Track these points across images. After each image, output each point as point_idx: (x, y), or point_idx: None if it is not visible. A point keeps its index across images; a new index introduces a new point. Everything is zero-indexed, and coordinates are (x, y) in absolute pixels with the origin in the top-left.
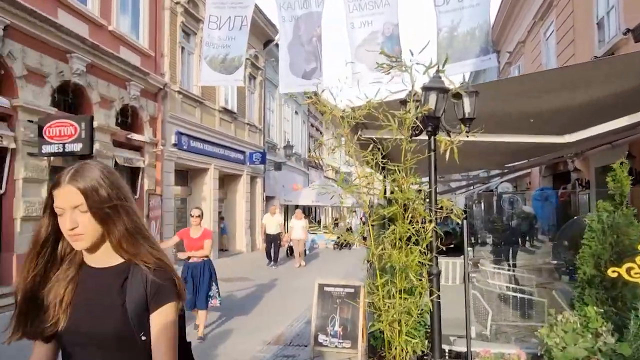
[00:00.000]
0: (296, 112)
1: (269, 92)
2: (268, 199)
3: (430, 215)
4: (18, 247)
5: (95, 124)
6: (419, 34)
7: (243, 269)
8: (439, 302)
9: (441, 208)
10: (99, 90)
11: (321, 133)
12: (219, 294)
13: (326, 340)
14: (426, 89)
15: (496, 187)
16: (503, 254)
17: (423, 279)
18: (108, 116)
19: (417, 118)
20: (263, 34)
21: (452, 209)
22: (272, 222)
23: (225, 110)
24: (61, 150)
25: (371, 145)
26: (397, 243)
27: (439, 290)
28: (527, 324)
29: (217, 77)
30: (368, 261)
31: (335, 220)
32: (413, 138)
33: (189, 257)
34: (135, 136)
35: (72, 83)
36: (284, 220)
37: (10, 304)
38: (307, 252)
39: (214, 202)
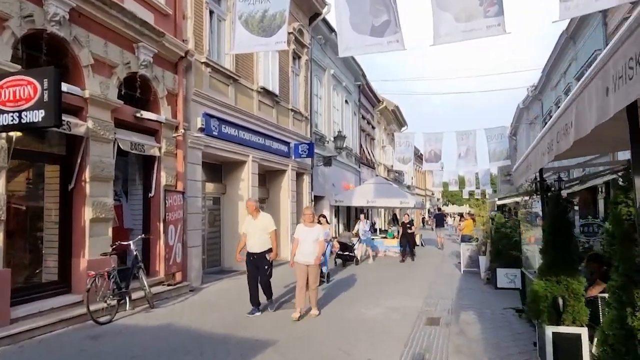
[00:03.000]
0: (346, 101)
1: (316, 75)
2: (317, 199)
3: None
4: None
5: (85, 93)
6: None
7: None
8: None
9: None
10: (92, 49)
11: (373, 127)
12: None
13: None
14: None
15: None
16: None
17: None
18: (106, 85)
19: None
20: (309, 6)
21: None
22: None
23: (266, 92)
24: (16, 121)
25: None
26: None
27: None
28: None
29: (255, 40)
30: None
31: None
32: None
33: None
34: (147, 115)
35: (48, 34)
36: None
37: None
38: (370, 258)
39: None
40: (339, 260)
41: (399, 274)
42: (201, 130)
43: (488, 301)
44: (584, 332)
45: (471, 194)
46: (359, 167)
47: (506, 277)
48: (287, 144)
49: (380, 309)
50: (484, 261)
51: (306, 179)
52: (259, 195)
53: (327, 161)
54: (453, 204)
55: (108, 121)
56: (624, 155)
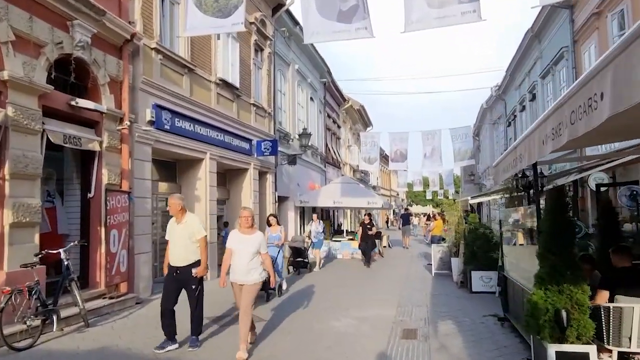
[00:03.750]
0: (312, 99)
1: (280, 70)
2: (281, 199)
3: None
4: None
5: (4, 74)
6: None
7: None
8: None
9: None
10: (12, 23)
11: (339, 126)
12: None
13: None
14: None
15: (587, 179)
16: None
17: None
18: (31, 67)
19: None
20: None
21: None
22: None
23: (225, 84)
24: None
25: None
26: None
27: None
28: None
29: (210, 22)
30: None
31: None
32: None
33: None
34: (84, 103)
35: None
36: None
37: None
38: (316, 266)
39: (210, 203)
40: (292, 268)
41: (366, 279)
42: (151, 123)
43: (465, 308)
44: (592, 350)
45: (434, 194)
46: (325, 166)
47: (481, 280)
48: (248, 141)
49: (350, 319)
50: (456, 263)
51: (269, 178)
52: (218, 195)
53: (292, 160)
54: (417, 205)
55: (34, 109)
56: (591, 151)
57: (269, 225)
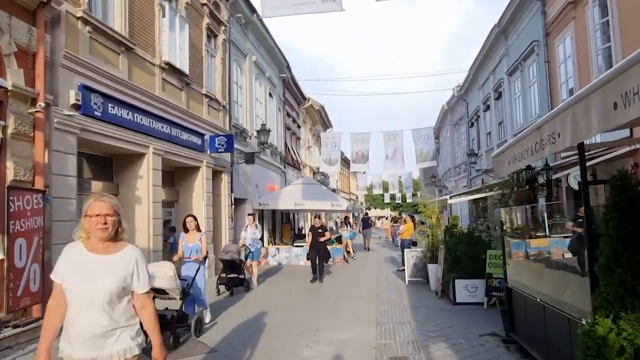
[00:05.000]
0: (270, 95)
1: (236, 60)
2: (238, 202)
3: None
4: None
5: None
6: None
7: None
8: None
9: None
10: None
11: (298, 126)
12: None
13: None
14: None
15: (567, 177)
16: None
17: None
18: None
19: None
20: None
21: None
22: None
23: (172, 69)
24: None
25: None
26: None
27: None
28: None
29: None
30: None
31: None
32: None
33: None
34: None
35: None
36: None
37: None
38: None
39: (154, 205)
40: (225, 288)
41: (331, 292)
42: (76, 107)
43: (454, 324)
44: None
45: (392, 197)
46: (285, 167)
47: (466, 290)
48: (200, 135)
49: (324, 345)
50: (435, 270)
51: (225, 178)
52: (165, 197)
53: (250, 158)
54: (375, 208)
55: None
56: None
57: (186, 230)
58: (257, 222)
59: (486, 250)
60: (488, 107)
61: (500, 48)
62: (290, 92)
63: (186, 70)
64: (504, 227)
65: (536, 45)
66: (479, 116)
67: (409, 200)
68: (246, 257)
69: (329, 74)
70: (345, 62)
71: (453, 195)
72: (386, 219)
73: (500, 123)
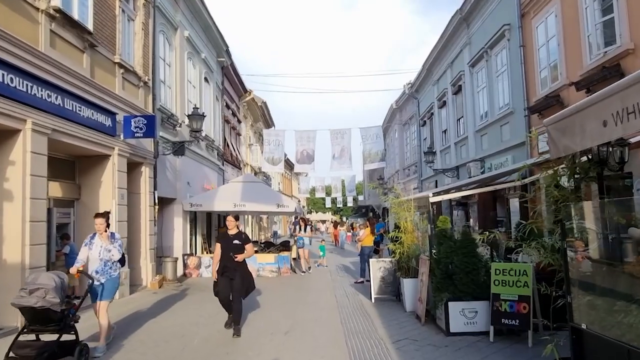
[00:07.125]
0: (207, 80)
1: (163, 32)
2: (164, 201)
3: None
4: None
5: None
6: None
7: None
8: None
9: None
10: None
11: (239, 121)
12: None
13: None
14: None
15: None
16: None
17: None
18: None
19: None
20: None
21: None
22: None
23: (67, 20)
24: None
25: None
26: None
27: None
28: None
29: None
30: None
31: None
32: None
33: None
34: None
35: None
36: (192, 236)
37: None
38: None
39: (34, 203)
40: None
41: (276, 320)
42: None
43: None
44: None
45: (333, 201)
46: (223, 164)
47: (463, 315)
48: (111, 114)
49: None
50: (412, 287)
51: (146, 171)
52: (62, 193)
53: (179, 149)
54: (317, 212)
55: None
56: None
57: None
58: (115, 231)
59: (488, 262)
60: (444, 104)
61: (461, 38)
62: (230, 81)
63: (89, 26)
64: (571, 235)
65: (507, 29)
66: (432, 114)
67: (349, 204)
68: (87, 293)
69: (270, 71)
70: (289, 60)
71: (435, 193)
72: (330, 222)
73: (460, 119)
